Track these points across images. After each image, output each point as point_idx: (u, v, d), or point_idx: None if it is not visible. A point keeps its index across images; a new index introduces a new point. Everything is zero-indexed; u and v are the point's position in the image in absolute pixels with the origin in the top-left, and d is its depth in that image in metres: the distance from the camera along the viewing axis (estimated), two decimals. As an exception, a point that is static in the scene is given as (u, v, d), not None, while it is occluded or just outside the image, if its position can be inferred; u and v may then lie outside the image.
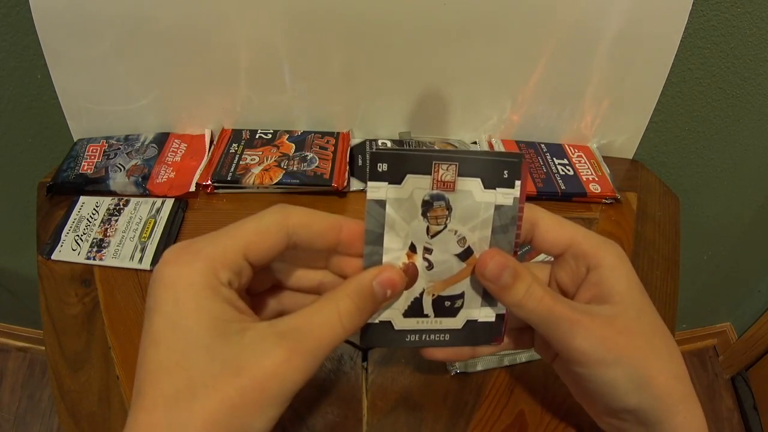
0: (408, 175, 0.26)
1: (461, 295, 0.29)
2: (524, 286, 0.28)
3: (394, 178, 0.26)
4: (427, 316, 0.29)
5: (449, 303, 0.29)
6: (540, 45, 0.57)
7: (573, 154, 0.65)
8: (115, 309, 0.46)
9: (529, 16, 0.55)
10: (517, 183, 0.28)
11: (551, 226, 0.30)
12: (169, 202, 0.55)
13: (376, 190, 0.27)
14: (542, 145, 0.66)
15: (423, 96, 0.61)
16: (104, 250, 0.50)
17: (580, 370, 0.28)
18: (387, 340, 0.29)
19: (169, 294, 0.23)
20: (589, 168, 0.63)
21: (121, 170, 0.57)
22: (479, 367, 0.43)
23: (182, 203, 0.55)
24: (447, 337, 0.30)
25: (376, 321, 0.29)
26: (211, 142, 0.63)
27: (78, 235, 0.52)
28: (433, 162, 0.26)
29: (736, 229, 0.90)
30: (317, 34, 0.55)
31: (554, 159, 0.64)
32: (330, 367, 0.43)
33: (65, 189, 0.56)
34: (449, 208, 0.27)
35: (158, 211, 0.54)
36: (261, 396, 0.22)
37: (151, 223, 0.53)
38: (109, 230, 0.52)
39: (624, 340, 0.27)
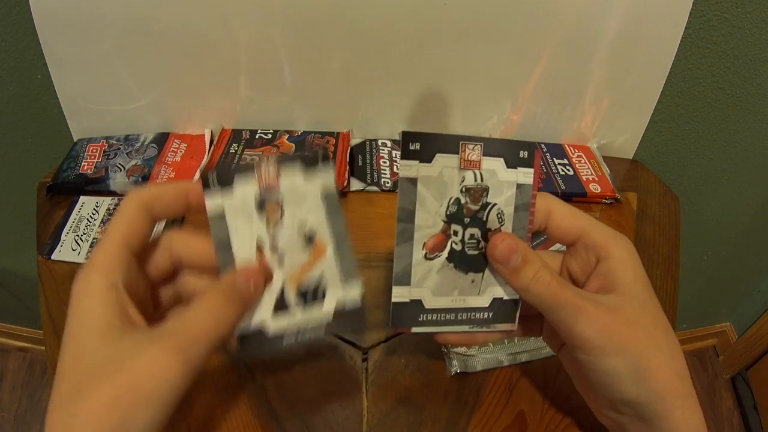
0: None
1: (319, 280, 0.30)
2: (533, 270, 0.29)
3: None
4: (294, 310, 0.30)
5: (312, 293, 0.30)
6: (540, 45, 0.57)
7: (573, 154, 0.65)
8: (115, 309, 0.46)
9: (529, 16, 0.55)
10: (532, 167, 0.29)
11: (565, 216, 0.31)
12: (169, 202, 0.55)
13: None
14: (542, 145, 0.66)
15: (423, 96, 0.61)
16: (104, 250, 0.50)
17: (581, 357, 0.29)
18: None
19: (72, 306, 0.25)
20: (589, 168, 0.63)
21: (121, 170, 0.57)
22: (479, 367, 0.43)
23: (182, 203, 0.55)
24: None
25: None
26: (211, 142, 0.63)
27: (78, 235, 0.52)
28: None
29: (736, 229, 0.90)
30: (317, 34, 0.55)
31: (554, 159, 0.64)
32: (330, 367, 0.43)
33: (65, 189, 0.56)
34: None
35: (158, 211, 0.54)
36: (138, 394, 0.23)
37: (151, 223, 0.53)
38: (109, 230, 0.52)
39: (626, 330, 0.28)
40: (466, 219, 0.29)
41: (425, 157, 0.28)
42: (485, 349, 0.44)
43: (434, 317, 0.30)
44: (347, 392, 0.42)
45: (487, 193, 0.29)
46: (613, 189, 0.61)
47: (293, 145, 0.61)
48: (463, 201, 0.29)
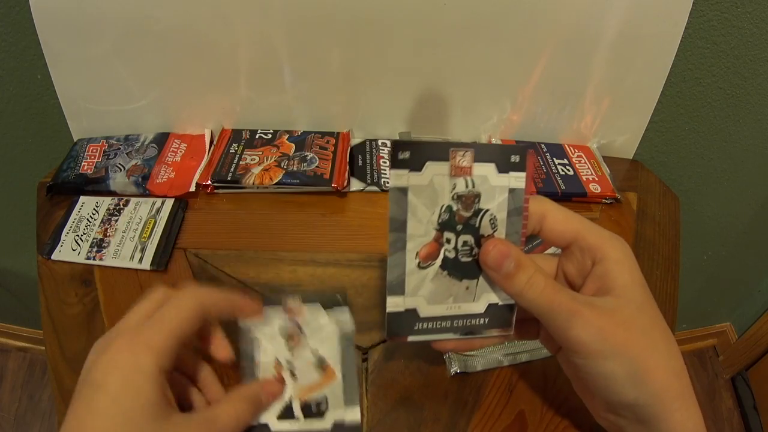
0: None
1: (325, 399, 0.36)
2: (526, 275, 0.28)
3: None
4: (297, 419, 0.35)
5: (315, 408, 0.35)
6: (540, 45, 0.57)
7: (573, 154, 0.65)
8: (115, 309, 0.46)
9: (529, 16, 0.55)
10: (524, 171, 0.29)
11: (559, 219, 0.31)
12: (169, 202, 0.55)
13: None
14: (542, 145, 0.66)
15: (423, 96, 0.61)
16: (104, 250, 0.50)
17: (578, 361, 0.29)
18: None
19: (118, 374, 0.28)
20: (589, 168, 0.63)
21: (121, 170, 0.57)
22: (479, 367, 0.43)
23: (182, 203, 0.55)
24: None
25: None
26: (211, 142, 0.63)
27: (78, 235, 0.52)
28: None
29: (736, 229, 0.90)
30: (317, 34, 0.55)
31: (554, 159, 0.64)
32: None
33: (65, 189, 0.56)
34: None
35: (158, 211, 0.54)
36: None
37: (151, 223, 0.53)
38: (109, 230, 0.52)
39: (622, 332, 0.28)
40: (458, 226, 0.29)
41: (415, 165, 0.27)
42: (485, 349, 0.44)
43: (430, 325, 0.30)
44: (347, 392, 0.42)
45: (479, 200, 0.29)
46: (613, 189, 0.60)
47: (293, 145, 0.61)
48: (455, 208, 0.29)
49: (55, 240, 0.51)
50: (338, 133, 0.64)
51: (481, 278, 0.30)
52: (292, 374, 0.36)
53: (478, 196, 0.29)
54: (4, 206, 0.76)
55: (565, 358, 0.32)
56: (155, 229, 0.52)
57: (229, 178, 0.56)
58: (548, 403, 0.41)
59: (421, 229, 0.29)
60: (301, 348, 0.36)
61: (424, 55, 0.58)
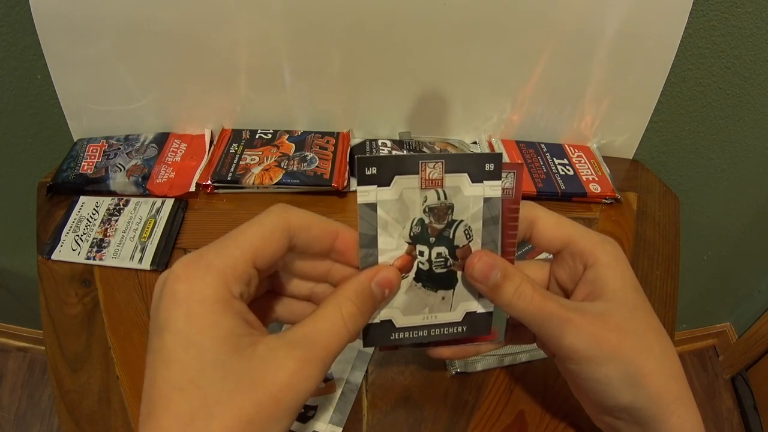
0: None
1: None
2: (513, 285, 0.28)
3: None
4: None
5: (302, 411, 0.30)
6: (540, 45, 0.57)
7: (573, 154, 0.65)
8: (115, 309, 0.46)
9: (529, 16, 0.55)
10: (504, 176, 0.28)
11: (550, 225, 0.30)
12: (169, 202, 0.55)
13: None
14: (542, 145, 0.66)
15: (423, 96, 0.61)
16: (104, 250, 0.50)
17: (573, 367, 0.28)
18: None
19: (181, 311, 0.22)
20: (589, 168, 0.63)
21: (121, 170, 0.57)
22: (479, 367, 0.43)
23: (182, 203, 0.55)
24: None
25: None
26: (211, 142, 0.63)
27: (78, 235, 0.52)
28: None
29: (736, 229, 0.89)
30: (317, 34, 0.55)
31: (554, 159, 0.64)
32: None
33: (65, 189, 0.56)
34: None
35: (158, 211, 0.54)
36: (277, 408, 0.22)
37: (151, 223, 0.53)
38: (109, 230, 0.52)
39: (615, 337, 0.27)
40: (431, 238, 0.28)
41: (383, 180, 0.27)
42: (485, 349, 0.44)
43: (406, 335, 0.29)
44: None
45: (453, 211, 0.28)
46: (613, 189, 0.60)
47: (293, 145, 0.61)
48: (427, 221, 0.28)
49: (55, 240, 0.51)
50: (338, 133, 0.64)
51: (458, 288, 0.29)
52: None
53: (450, 207, 0.28)
54: (4, 206, 0.76)
55: (561, 363, 0.32)
56: (155, 229, 0.52)
57: (229, 178, 0.56)
58: (548, 403, 0.41)
59: (392, 243, 0.28)
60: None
61: (425, 55, 0.58)
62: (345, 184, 0.57)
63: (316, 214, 0.27)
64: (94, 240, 0.51)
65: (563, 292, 0.32)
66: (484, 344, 0.32)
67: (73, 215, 0.54)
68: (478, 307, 0.30)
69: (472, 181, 0.28)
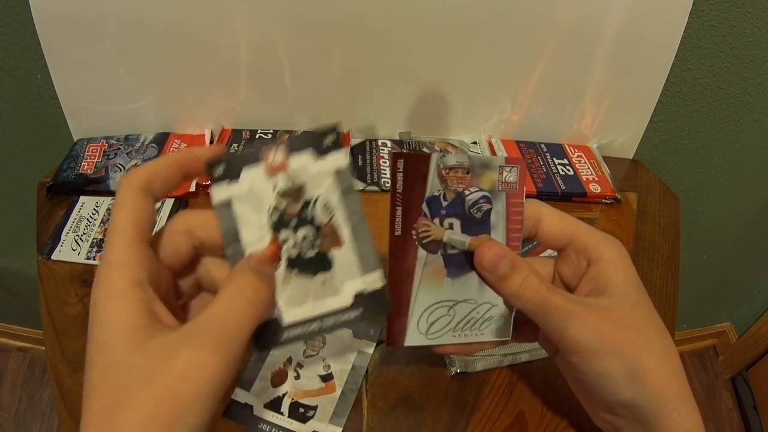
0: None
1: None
2: (521, 277, 0.28)
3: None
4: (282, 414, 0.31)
5: (302, 410, 0.32)
6: (540, 45, 0.57)
7: (573, 154, 0.65)
8: (115, 309, 0.46)
9: (530, 16, 0.55)
10: (507, 170, 0.29)
11: (554, 221, 0.31)
12: (169, 202, 0.55)
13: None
14: (542, 145, 0.66)
15: (423, 96, 0.61)
16: (104, 250, 0.50)
17: (575, 361, 0.29)
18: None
19: (95, 313, 0.23)
20: (589, 168, 0.63)
21: (121, 170, 0.57)
22: (479, 367, 0.43)
23: (182, 203, 0.55)
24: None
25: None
26: (211, 142, 0.63)
27: (78, 235, 0.52)
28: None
29: (736, 229, 0.90)
30: (317, 35, 0.55)
31: (554, 159, 0.64)
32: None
33: (65, 189, 0.56)
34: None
35: (158, 211, 0.54)
36: (180, 401, 0.21)
37: (151, 223, 0.53)
38: (109, 230, 0.52)
39: (618, 332, 0.28)
40: (292, 222, 0.28)
41: (232, 176, 0.27)
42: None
43: (298, 331, 0.28)
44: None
45: (305, 190, 0.28)
46: (613, 189, 0.60)
47: (293, 145, 0.61)
48: (282, 206, 0.28)
49: (55, 240, 0.51)
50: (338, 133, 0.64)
51: (336, 268, 0.28)
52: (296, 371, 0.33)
53: (302, 187, 0.28)
54: (4, 206, 0.76)
55: (562, 359, 0.32)
56: (155, 229, 0.52)
57: (229, 178, 0.56)
58: (548, 403, 0.41)
59: (255, 235, 0.28)
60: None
61: (425, 55, 0.58)
62: (345, 184, 0.57)
63: (157, 160, 0.27)
64: (94, 240, 0.51)
65: (567, 288, 0.32)
66: (489, 341, 0.32)
67: (73, 215, 0.54)
68: (365, 285, 0.29)
69: (318, 157, 0.28)
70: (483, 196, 0.29)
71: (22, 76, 0.58)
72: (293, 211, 0.28)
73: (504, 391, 0.42)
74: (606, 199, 0.60)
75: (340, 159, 0.28)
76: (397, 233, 0.29)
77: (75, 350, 0.44)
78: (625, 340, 0.28)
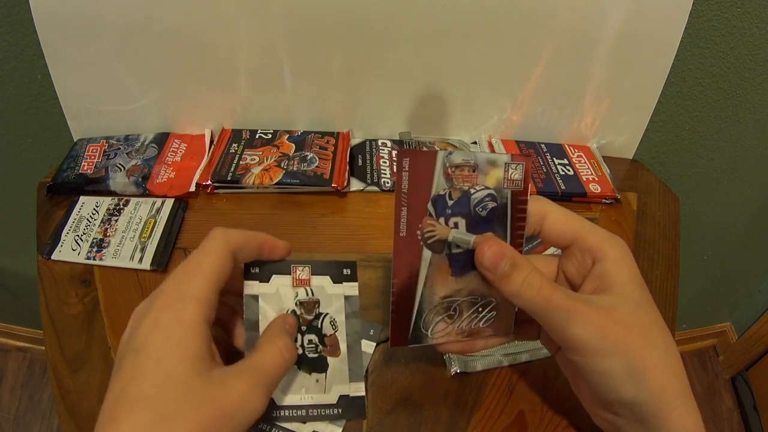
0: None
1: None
2: (522, 275, 0.28)
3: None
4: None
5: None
6: (540, 45, 0.57)
7: (573, 154, 0.65)
8: (115, 309, 0.46)
9: (530, 16, 0.55)
10: (513, 167, 0.30)
11: (559, 219, 0.31)
12: (169, 202, 0.55)
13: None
14: (542, 145, 0.66)
15: (423, 96, 0.61)
16: (104, 250, 0.50)
17: (577, 359, 0.29)
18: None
19: (160, 333, 0.26)
20: (589, 168, 0.63)
21: (121, 170, 0.57)
22: (479, 367, 0.43)
23: (182, 203, 0.55)
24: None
25: None
26: (211, 142, 0.63)
27: (78, 235, 0.52)
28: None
29: (736, 229, 0.90)
30: (317, 34, 0.55)
31: (554, 159, 0.64)
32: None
33: (65, 189, 0.56)
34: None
35: (158, 211, 0.54)
36: (230, 423, 0.25)
37: (151, 223, 0.53)
38: (109, 230, 0.52)
39: (620, 330, 0.28)
40: (303, 327, 0.34)
41: (264, 278, 0.33)
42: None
43: (287, 413, 0.33)
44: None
45: (319, 305, 0.34)
46: (613, 189, 0.60)
47: (293, 145, 0.61)
48: (298, 312, 0.34)
49: (55, 240, 0.51)
50: (338, 133, 0.64)
51: (329, 372, 0.35)
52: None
53: (317, 302, 0.34)
54: (4, 206, 0.76)
55: (563, 358, 0.32)
56: (155, 229, 0.52)
57: (229, 178, 0.56)
58: (548, 403, 0.41)
59: None
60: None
61: (424, 55, 0.58)
62: (345, 184, 0.57)
63: (247, 231, 0.32)
64: (94, 240, 0.51)
65: (571, 286, 0.32)
66: (492, 339, 0.32)
67: (73, 215, 0.54)
68: (350, 391, 0.35)
69: (334, 283, 0.35)
70: (488, 194, 0.29)
71: (22, 76, 0.58)
72: (306, 318, 0.34)
73: (504, 391, 0.42)
74: (606, 199, 0.60)
75: (352, 288, 0.35)
76: (402, 234, 0.29)
77: (75, 350, 0.44)
78: (627, 338, 0.28)
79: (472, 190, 0.29)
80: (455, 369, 0.43)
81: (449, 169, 0.28)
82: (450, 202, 0.29)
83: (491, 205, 0.29)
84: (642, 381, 0.27)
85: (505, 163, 0.29)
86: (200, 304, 0.27)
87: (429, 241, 0.29)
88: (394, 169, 0.61)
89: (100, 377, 0.42)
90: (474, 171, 0.29)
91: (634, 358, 0.27)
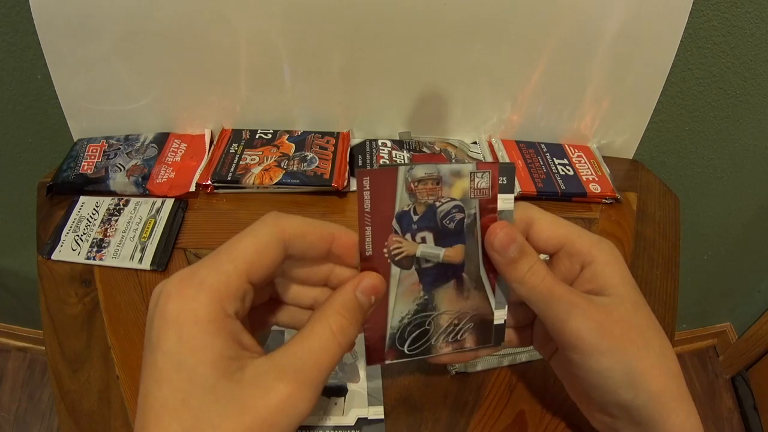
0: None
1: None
2: (528, 263, 0.28)
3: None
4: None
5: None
6: (540, 45, 0.57)
7: (573, 154, 0.65)
8: (115, 309, 0.46)
9: (530, 16, 0.55)
10: (479, 175, 0.28)
11: (546, 225, 0.30)
12: (169, 202, 0.55)
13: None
14: (542, 145, 0.66)
15: (423, 96, 0.61)
16: (104, 250, 0.50)
17: (575, 357, 0.28)
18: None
19: (173, 331, 0.22)
20: (589, 168, 0.63)
21: (121, 170, 0.57)
22: (479, 367, 0.43)
23: (182, 203, 0.55)
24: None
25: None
26: (211, 142, 0.63)
27: (78, 235, 0.52)
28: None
29: (736, 229, 0.90)
30: (317, 34, 0.55)
31: (554, 159, 0.64)
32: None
33: (65, 189, 0.56)
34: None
35: (158, 211, 0.54)
36: (271, 431, 0.22)
37: (151, 223, 0.53)
38: (109, 230, 0.52)
39: (619, 329, 0.27)
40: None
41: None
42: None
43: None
44: (347, 392, 0.42)
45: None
46: (613, 189, 0.60)
47: (293, 145, 0.61)
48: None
49: (55, 240, 0.51)
50: (338, 133, 0.64)
51: (347, 397, 0.36)
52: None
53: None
54: (4, 206, 0.76)
55: (559, 361, 0.32)
56: (155, 229, 0.52)
57: (229, 178, 0.56)
58: (548, 403, 0.41)
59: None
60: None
61: (424, 55, 0.58)
62: (345, 184, 0.57)
63: (311, 219, 0.26)
64: (94, 240, 0.51)
65: None
66: (482, 349, 0.32)
67: (73, 215, 0.54)
68: (369, 414, 0.36)
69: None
70: (455, 206, 0.28)
71: (22, 76, 0.58)
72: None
73: (504, 391, 0.42)
74: (606, 199, 0.60)
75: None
76: (368, 253, 0.27)
77: (75, 350, 0.44)
78: (625, 338, 0.27)
79: (438, 203, 0.28)
80: (455, 369, 0.43)
81: (412, 184, 0.27)
82: (415, 218, 0.28)
83: (459, 216, 0.28)
84: (640, 383, 0.27)
85: (471, 173, 0.28)
86: (218, 295, 0.23)
87: (396, 258, 0.28)
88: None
89: (100, 377, 0.42)
90: (438, 183, 0.28)
91: (631, 358, 0.27)
